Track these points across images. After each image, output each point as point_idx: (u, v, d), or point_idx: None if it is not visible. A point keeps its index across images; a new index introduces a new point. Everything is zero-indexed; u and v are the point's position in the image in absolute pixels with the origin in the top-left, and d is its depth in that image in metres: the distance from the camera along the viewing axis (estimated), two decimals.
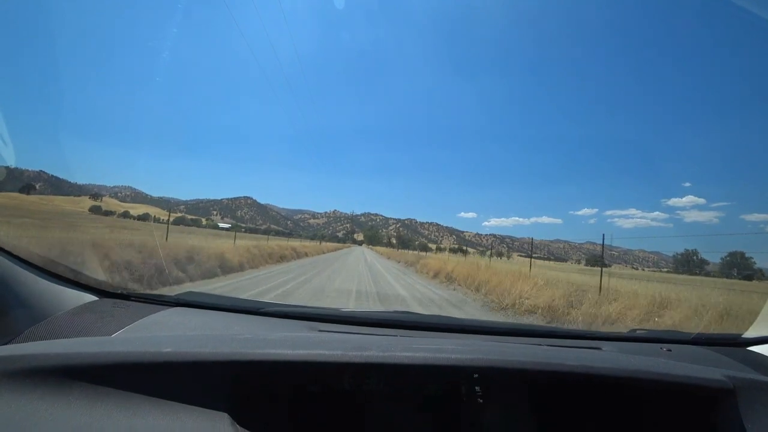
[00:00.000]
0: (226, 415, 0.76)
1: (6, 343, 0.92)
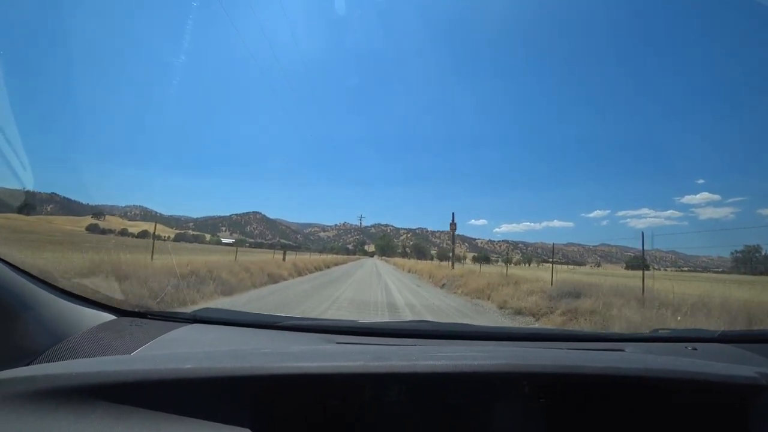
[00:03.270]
0: (248, 431, 0.77)
1: (27, 364, 0.93)
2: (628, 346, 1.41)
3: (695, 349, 1.40)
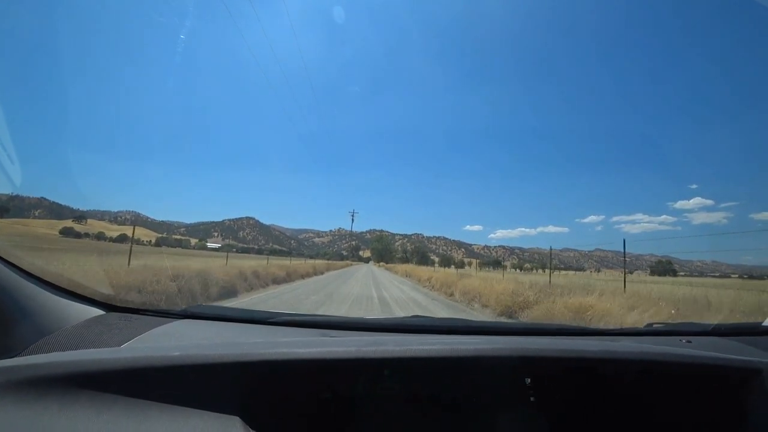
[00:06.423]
0: (237, 419, 0.75)
1: (13, 357, 0.92)
2: (623, 339, 1.43)
3: (689, 342, 1.43)
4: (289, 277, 15.96)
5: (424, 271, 26.90)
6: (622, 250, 11.40)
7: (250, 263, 15.49)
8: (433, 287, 16.51)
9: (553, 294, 8.69)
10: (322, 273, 23.98)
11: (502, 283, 11.64)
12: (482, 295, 10.62)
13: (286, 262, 23.57)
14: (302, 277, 18.40)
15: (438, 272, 22.47)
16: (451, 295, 13.17)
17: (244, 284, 10.80)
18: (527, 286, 10.26)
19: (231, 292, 9.56)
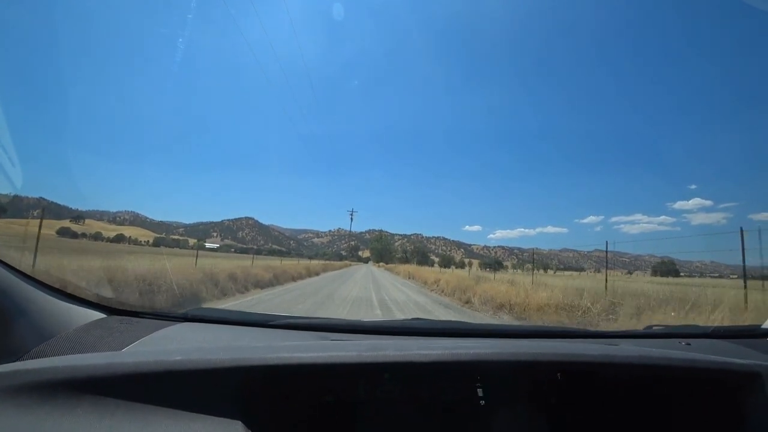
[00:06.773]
0: (239, 423, 0.75)
1: (14, 362, 0.92)
2: (623, 342, 1.43)
3: (689, 344, 1.43)
4: (276, 280, 14.35)
5: (428, 272, 24.43)
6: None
7: (230, 264, 14.12)
8: (443, 292, 14.84)
9: (621, 304, 6.92)
10: (317, 274, 22.22)
11: (541, 289, 9.85)
12: (514, 304, 9.13)
13: (276, 262, 21.73)
14: (293, 279, 16.86)
15: (444, 273, 20.74)
16: (468, 302, 11.61)
17: (215, 290, 9.42)
18: (582, 292, 8.33)
19: (191, 302, 7.94)
